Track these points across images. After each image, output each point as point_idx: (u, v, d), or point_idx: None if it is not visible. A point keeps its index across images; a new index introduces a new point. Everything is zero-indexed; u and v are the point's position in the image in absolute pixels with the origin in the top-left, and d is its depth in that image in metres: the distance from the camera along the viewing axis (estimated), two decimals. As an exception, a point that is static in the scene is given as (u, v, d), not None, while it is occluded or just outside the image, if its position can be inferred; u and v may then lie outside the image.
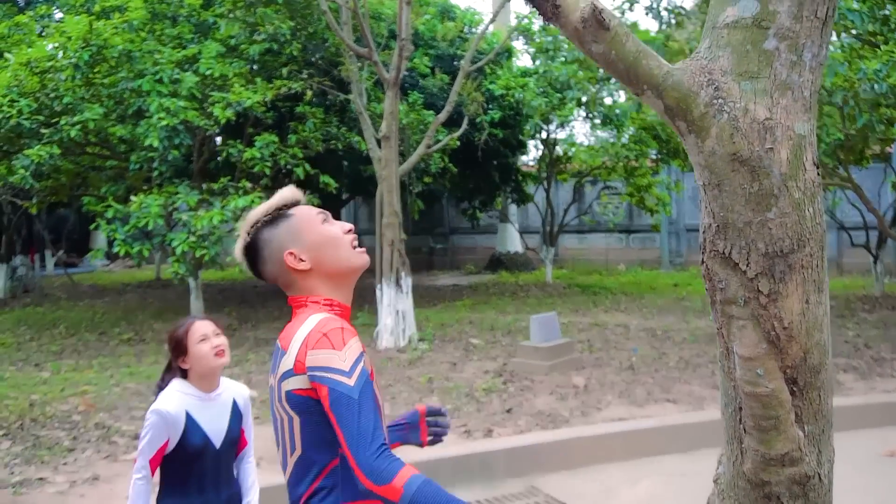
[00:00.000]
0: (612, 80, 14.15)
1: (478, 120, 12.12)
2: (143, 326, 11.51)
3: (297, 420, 1.83)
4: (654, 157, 15.04)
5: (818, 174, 1.55)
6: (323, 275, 1.97)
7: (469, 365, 8.33)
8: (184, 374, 2.83)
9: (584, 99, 13.09)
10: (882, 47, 6.98)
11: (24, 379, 8.14)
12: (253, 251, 1.96)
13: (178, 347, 2.80)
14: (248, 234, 1.95)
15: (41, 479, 5.27)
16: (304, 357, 1.79)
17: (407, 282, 9.40)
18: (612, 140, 13.44)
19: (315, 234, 1.96)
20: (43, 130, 9.39)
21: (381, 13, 12.40)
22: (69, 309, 13.87)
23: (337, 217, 14.54)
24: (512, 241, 19.16)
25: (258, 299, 14.58)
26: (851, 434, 6.15)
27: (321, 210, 2.03)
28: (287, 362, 1.82)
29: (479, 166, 13.72)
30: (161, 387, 2.88)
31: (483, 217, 18.59)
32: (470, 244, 21.33)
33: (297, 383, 1.81)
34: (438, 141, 10.90)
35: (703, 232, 1.61)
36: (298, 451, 1.85)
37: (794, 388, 1.59)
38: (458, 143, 11.50)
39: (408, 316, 9.44)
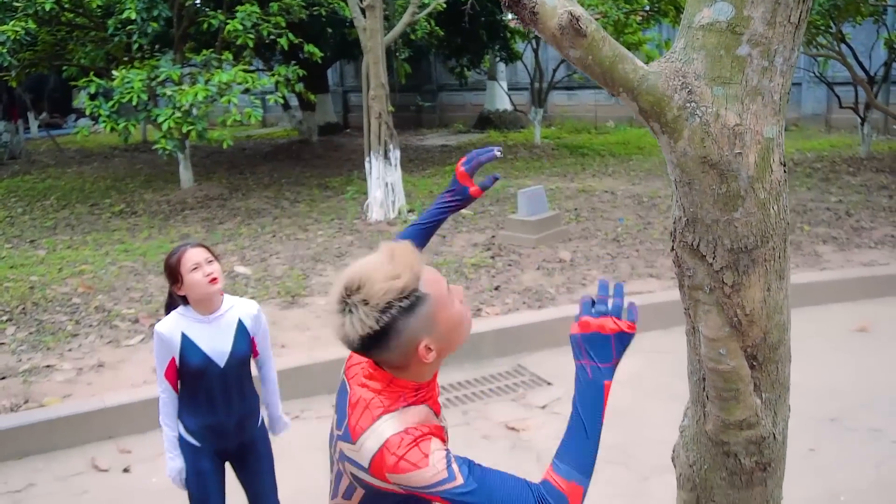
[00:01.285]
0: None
1: (465, -22, 11.75)
2: (134, 197, 11.58)
3: (358, 493, 1.66)
4: (644, 12, 14.69)
5: (784, 172, 1.62)
6: (439, 361, 1.68)
7: (458, 237, 8.49)
8: (185, 301, 2.95)
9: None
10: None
11: (22, 258, 8.29)
12: (378, 339, 1.58)
13: (173, 275, 2.90)
14: (379, 320, 1.56)
15: (49, 366, 5.51)
16: (383, 475, 1.55)
17: (395, 154, 9.42)
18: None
19: (448, 319, 1.63)
20: (16, 3, 9.10)
21: None
22: (58, 177, 13.88)
23: (324, 80, 14.33)
24: (501, 99, 18.94)
25: (247, 164, 14.58)
26: (826, 308, 6.42)
27: (441, 276, 1.69)
28: (357, 455, 1.59)
29: (466, 26, 13.41)
30: (168, 310, 3.01)
31: (471, 75, 18.29)
32: (459, 101, 21.08)
33: (372, 479, 1.59)
34: (424, 6, 10.61)
35: (674, 223, 1.70)
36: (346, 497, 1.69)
37: (754, 363, 1.73)
38: (445, 4, 11.21)
39: (397, 187, 9.51)
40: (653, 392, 5.05)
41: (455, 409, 5.01)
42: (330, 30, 12.60)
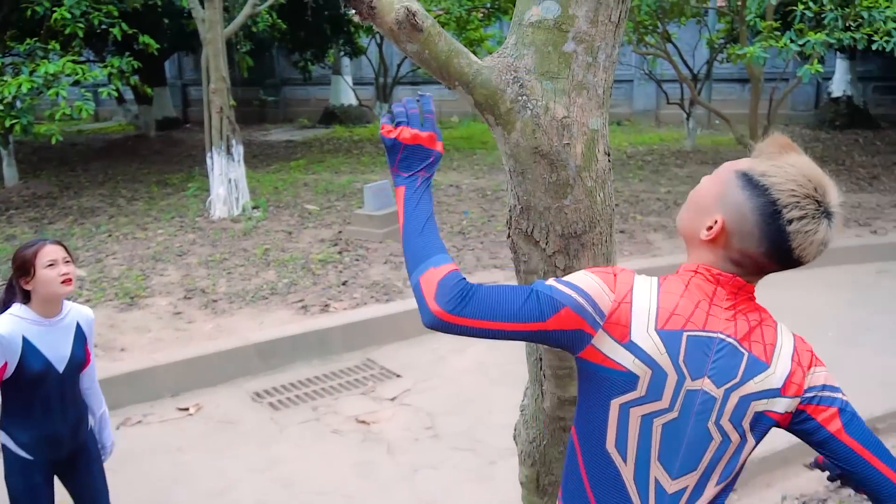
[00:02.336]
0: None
1: (306, -28, 11.64)
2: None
3: (748, 446, 1.54)
4: (485, 9, 15.02)
5: (608, 161, 1.73)
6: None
7: (305, 233, 8.42)
8: (26, 297, 2.78)
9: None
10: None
11: None
12: None
13: (24, 268, 2.73)
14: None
15: None
16: (801, 378, 1.50)
17: (238, 150, 9.22)
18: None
19: None
20: None
21: None
22: None
23: (161, 73, 13.74)
24: (346, 93, 18.87)
25: (79, 161, 13.86)
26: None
27: None
28: (768, 380, 1.49)
29: (309, 20, 13.28)
30: (1, 309, 2.83)
31: (315, 69, 18.11)
32: (303, 96, 20.82)
33: (780, 406, 1.50)
34: (265, -2, 10.43)
35: (510, 211, 1.78)
36: (726, 482, 1.56)
37: (586, 342, 1.83)
38: (286, -3, 11.08)
39: (240, 184, 9.31)
40: (498, 379, 5.21)
41: (304, 405, 4.98)
42: (167, 20, 12.16)
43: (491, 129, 1.69)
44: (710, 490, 1.53)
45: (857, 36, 7.07)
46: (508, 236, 1.81)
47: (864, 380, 4.87)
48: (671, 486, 1.50)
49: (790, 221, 1.42)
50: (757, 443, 1.54)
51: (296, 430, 4.69)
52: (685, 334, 1.46)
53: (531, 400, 2.00)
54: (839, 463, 1.53)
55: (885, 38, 6.95)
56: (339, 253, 7.61)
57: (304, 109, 20.56)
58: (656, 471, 1.50)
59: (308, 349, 5.68)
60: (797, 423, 1.52)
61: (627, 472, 1.50)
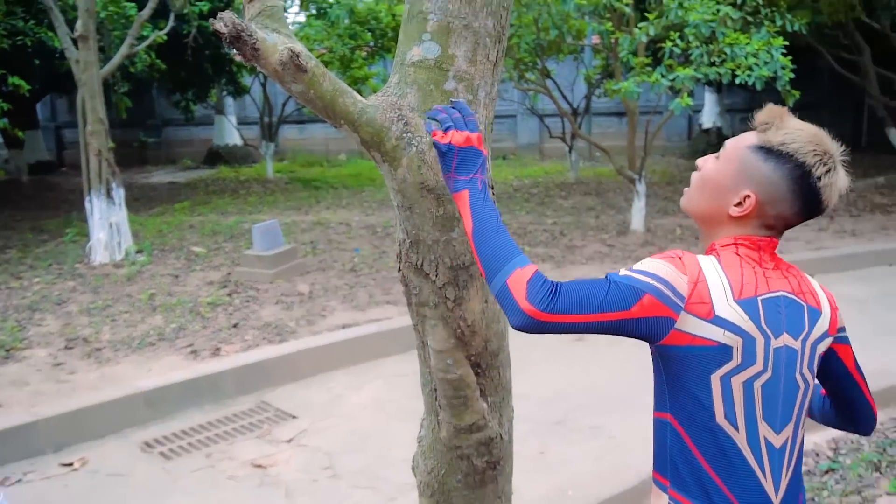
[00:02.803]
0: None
1: (185, 11, 11.47)
2: None
3: (812, 382, 1.68)
4: (369, 47, 15.15)
5: (493, 194, 1.79)
6: None
7: (192, 276, 8.23)
8: None
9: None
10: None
11: None
12: None
13: None
14: None
15: None
16: (836, 317, 1.69)
17: (119, 192, 8.95)
18: (324, 32, 13.28)
19: None
20: None
21: None
22: None
23: (33, 115, 13.26)
24: (230, 133, 18.62)
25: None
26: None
27: None
28: (823, 324, 1.65)
29: (190, 59, 13.07)
30: None
31: (198, 109, 17.80)
32: (185, 137, 20.43)
33: (825, 344, 1.68)
34: (143, 38, 10.22)
35: (399, 245, 1.82)
36: (804, 421, 1.69)
37: (479, 370, 1.88)
38: (166, 37, 10.86)
39: (122, 228, 9.03)
40: (395, 414, 5.20)
41: (198, 452, 4.84)
42: (38, 61, 11.72)
43: (378, 166, 1.73)
44: (800, 433, 1.65)
45: (722, 70, 7.49)
46: (399, 270, 1.84)
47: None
48: (777, 441, 1.60)
49: (819, 178, 1.57)
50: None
51: (189, 479, 4.55)
52: (759, 299, 1.57)
53: (428, 431, 2.03)
54: (843, 391, 1.77)
55: (747, 72, 7.39)
56: (229, 295, 7.47)
57: (187, 150, 20.15)
58: (764, 429, 1.58)
59: (199, 395, 5.52)
60: (825, 359, 1.71)
61: (741, 439, 1.57)
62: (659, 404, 1.64)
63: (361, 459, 4.70)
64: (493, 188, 1.81)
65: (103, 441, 5.00)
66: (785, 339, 1.59)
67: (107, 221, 8.84)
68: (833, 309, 1.69)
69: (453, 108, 1.63)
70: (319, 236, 10.03)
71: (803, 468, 3.88)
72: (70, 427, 4.97)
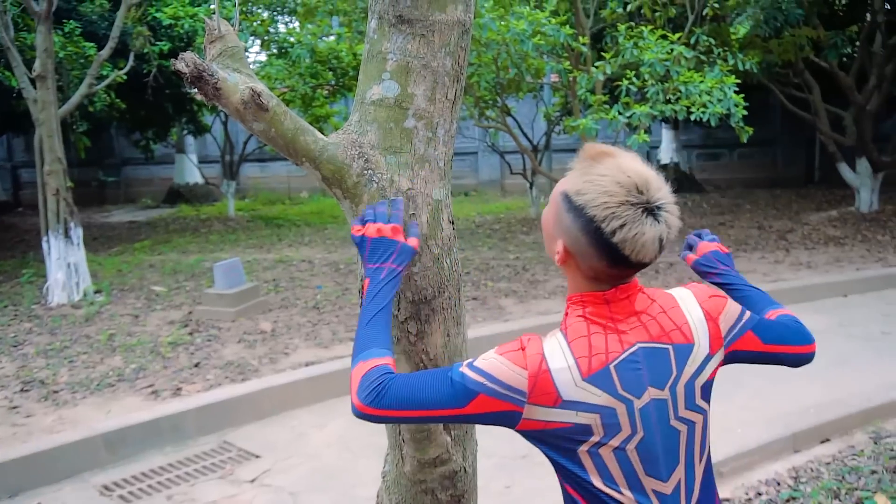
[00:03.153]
0: (285, 8, 14.08)
1: (145, 51, 11.46)
2: None
3: (707, 414, 1.60)
4: (330, 86, 15.24)
5: (453, 229, 1.83)
6: None
7: (152, 316, 8.13)
8: None
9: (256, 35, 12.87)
10: (526, 10, 7.72)
11: None
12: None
13: None
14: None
15: None
16: (717, 329, 1.59)
17: (77, 232, 8.85)
18: (286, 71, 13.35)
19: None
20: None
21: (24, -72, 11.12)
22: None
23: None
24: (191, 172, 18.54)
25: None
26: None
27: None
28: (698, 354, 1.56)
29: (150, 98, 13.02)
30: None
31: (158, 148, 17.72)
32: (145, 175, 20.29)
33: (713, 363, 1.59)
34: (103, 77, 10.19)
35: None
36: (706, 455, 1.62)
37: (441, 404, 1.89)
38: (126, 76, 10.83)
39: (80, 268, 8.91)
40: (360, 451, 5.17)
41: (158, 494, 4.76)
42: (-6, 101, 11.63)
43: (339, 203, 1.75)
44: (699, 469, 1.60)
45: (677, 108, 7.66)
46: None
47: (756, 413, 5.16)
48: (668, 488, 1.54)
49: (613, 233, 1.43)
50: (709, 406, 1.62)
51: (149, 522, 4.47)
52: (612, 366, 1.49)
53: (392, 465, 2.03)
54: (769, 360, 1.73)
55: (702, 109, 7.57)
56: (190, 334, 7.39)
57: (147, 189, 20.01)
58: (650, 483, 1.53)
59: (160, 436, 5.44)
60: (729, 361, 1.66)
61: (627, 497, 1.52)
62: (555, 469, 1.61)
63: (326, 498, 4.65)
64: (453, 223, 1.84)
65: (60, 485, 4.90)
66: (650, 395, 1.52)
67: (65, 261, 8.73)
68: (711, 321, 1.61)
69: (389, 203, 1.70)
70: (282, 274, 9.99)
71: (764, 497, 3.92)
72: (26, 471, 4.86)
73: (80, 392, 6.01)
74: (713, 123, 7.67)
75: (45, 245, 8.81)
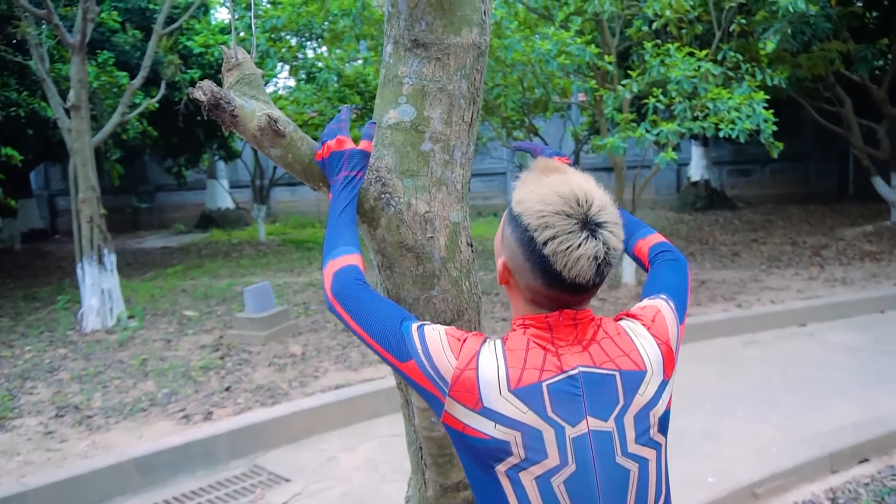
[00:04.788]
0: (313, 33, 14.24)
1: (176, 79, 11.64)
2: None
3: (663, 450, 1.46)
4: (358, 110, 15.36)
5: (472, 252, 1.82)
6: None
7: (184, 340, 8.20)
8: None
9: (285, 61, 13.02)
10: (551, 30, 7.73)
11: None
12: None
13: None
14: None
15: None
16: (669, 350, 1.51)
17: (111, 258, 8.97)
18: (314, 96, 13.47)
19: None
20: None
21: (59, -38, 11.38)
22: None
23: (26, 184, 13.39)
24: (222, 197, 18.75)
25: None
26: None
27: None
28: (652, 382, 1.44)
29: (181, 125, 13.21)
30: None
31: (190, 174, 17.95)
32: (178, 202, 20.56)
33: (670, 390, 1.48)
34: (135, 106, 10.36)
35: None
36: (664, 491, 1.46)
37: (463, 427, 1.88)
38: (158, 104, 11.00)
39: (114, 293, 9.03)
40: (389, 474, 5.16)
41: (189, 519, 4.78)
42: (31, 131, 11.84)
43: (357, 227, 1.76)
44: None
45: (706, 125, 7.61)
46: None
47: (740, 447, 5.09)
48: None
49: (544, 244, 1.34)
50: (666, 438, 1.47)
51: (180, 547, 4.48)
52: (544, 384, 1.36)
53: (415, 490, 2.02)
54: None
55: (730, 126, 7.50)
56: (221, 358, 7.44)
57: (179, 215, 20.26)
58: None
59: (191, 460, 5.47)
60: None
61: None
62: (473, 490, 1.47)
63: (355, 522, 4.64)
64: (472, 245, 1.84)
65: (93, 510, 4.94)
66: (589, 424, 1.37)
67: (98, 288, 8.84)
68: (663, 344, 1.50)
69: (334, 120, 1.76)
70: (312, 297, 10.04)
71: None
72: (60, 497, 4.91)
73: (113, 417, 6.06)
74: (742, 140, 7.60)
75: (79, 271, 8.94)
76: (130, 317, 9.10)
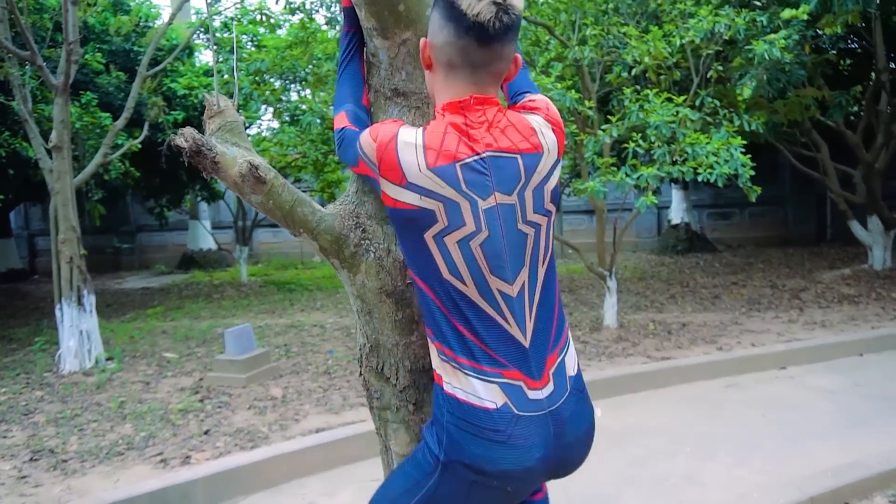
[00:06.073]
0: (296, 77, 14.35)
1: (160, 120, 11.67)
2: None
3: (552, 217, 1.79)
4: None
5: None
6: None
7: (163, 382, 8.12)
8: None
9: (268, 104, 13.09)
10: (532, 76, 7.83)
11: None
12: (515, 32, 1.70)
13: None
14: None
15: None
16: (561, 133, 1.80)
17: (90, 300, 8.90)
18: (298, 138, 13.52)
19: None
20: None
21: (43, 3, 11.44)
22: None
23: (6, 224, 13.31)
24: (204, 238, 18.69)
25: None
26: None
27: None
28: (547, 161, 1.74)
29: (164, 166, 13.22)
30: None
31: (172, 214, 17.91)
32: (160, 242, 20.46)
33: (556, 176, 1.79)
34: (118, 146, 10.37)
35: (360, 349, 1.84)
36: (549, 256, 1.78)
37: (442, 473, 1.88)
38: (141, 145, 11.01)
39: (93, 335, 8.94)
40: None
41: (165, 566, 4.69)
42: (12, 171, 11.80)
43: (337, 273, 1.77)
44: (541, 271, 1.74)
45: (685, 169, 7.69)
46: (360, 374, 1.86)
47: (722, 492, 5.08)
48: (513, 290, 1.67)
49: None
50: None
51: None
52: (458, 165, 1.64)
53: None
54: None
55: (709, 170, 7.60)
56: (201, 401, 7.37)
57: (161, 255, 20.16)
58: (495, 283, 1.66)
59: (167, 507, 5.39)
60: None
61: (472, 292, 1.66)
62: (408, 264, 1.73)
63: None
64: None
65: (66, 557, 4.84)
66: (497, 199, 1.66)
67: (77, 329, 8.76)
68: (557, 128, 1.80)
69: None
70: (293, 339, 9.99)
71: None
72: (32, 544, 4.81)
73: (89, 461, 5.97)
74: (721, 184, 7.70)
75: (58, 313, 8.86)
76: (109, 358, 9.01)
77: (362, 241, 1.71)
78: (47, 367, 8.91)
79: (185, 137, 1.55)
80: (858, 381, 7.40)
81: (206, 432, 6.52)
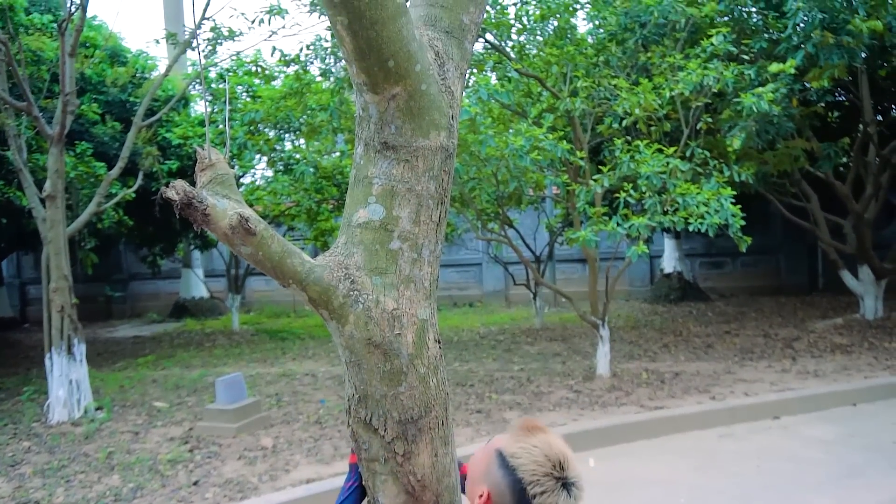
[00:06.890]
0: (290, 126, 14.49)
1: (154, 170, 11.73)
2: None
3: None
4: (335, 200, 15.50)
5: (439, 348, 1.84)
6: None
7: (153, 432, 8.04)
8: None
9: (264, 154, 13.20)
10: (524, 126, 7.94)
11: None
12: None
13: None
14: None
15: None
16: None
17: (80, 349, 8.85)
18: (291, 186, 13.61)
19: None
20: None
21: (41, 55, 11.57)
22: None
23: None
24: (197, 286, 18.67)
25: None
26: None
27: None
28: None
29: (157, 215, 13.24)
30: None
31: (165, 263, 17.91)
32: (152, 290, 20.42)
33: None
34: (112, 195, 10.41)
35: (348, 401, 1.84)
36: None
37: (430, 526, 1.86)
38: (134, 194, 11.06)
39: (83, 384, 8.87)
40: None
41: None
42: (5, 220, 11.82)
43: (326, 324, 1.78)
44: None
45: (675, 219, 7.75)
46: (349, 424, 1.86)
47: (714, 544, 5.02)
48: None
49: (534, 496, 1.67)
50: None
51: None
52: None
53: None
54: None
55: (699, 220, 7.66)
56: (191, 451, 7.29)
57: (153, 304, 20.10)
58: None
59: (154, 559, 5.30)
60: None
61: None
62: None
63: None
64: (439, 342, 1.86)
65: None
66: None
67: (66, 378, 8.69)
68: None
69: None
70: (285, 388, 9.92)
71: None
72: None
73: (75, 513, 5.89)
74: (711, 234, 7.75)
75: (47, 362, 8.80)
76: (98, 408, 8.93)
77: (351, 293, 1.72)
78: (35, 416, 8.82)
79: (176, 190, 1.57)
80: (852, 431, 7.36)
81: (195, 483, 6.44)
